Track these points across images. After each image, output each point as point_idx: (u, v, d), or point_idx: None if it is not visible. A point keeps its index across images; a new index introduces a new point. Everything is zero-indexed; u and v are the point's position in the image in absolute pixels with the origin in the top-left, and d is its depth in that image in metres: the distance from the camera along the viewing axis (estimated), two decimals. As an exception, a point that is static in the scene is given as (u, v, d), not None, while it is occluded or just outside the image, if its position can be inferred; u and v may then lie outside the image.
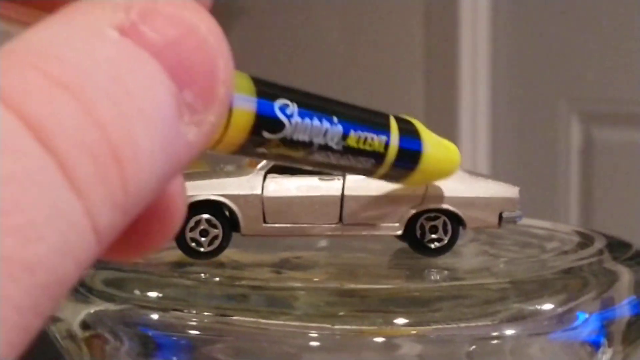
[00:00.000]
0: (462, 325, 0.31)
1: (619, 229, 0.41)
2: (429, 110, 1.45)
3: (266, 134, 0.22)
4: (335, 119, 0.25)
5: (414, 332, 0.31)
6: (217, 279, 0.32)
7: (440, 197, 0.34)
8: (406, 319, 0.31)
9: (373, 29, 1.49)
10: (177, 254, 0.34)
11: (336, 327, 0.30)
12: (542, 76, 1.41)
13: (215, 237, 0.34)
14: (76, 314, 0.32)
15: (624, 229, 1.36)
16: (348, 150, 0.26)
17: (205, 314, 0.30)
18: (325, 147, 0.24)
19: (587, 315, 0.32)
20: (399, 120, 0.29)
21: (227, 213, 0.34)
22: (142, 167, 0.16)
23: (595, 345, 0.32)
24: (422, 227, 0.34)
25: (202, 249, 0.34)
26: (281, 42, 1.56)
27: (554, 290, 0.32)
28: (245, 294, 0.31)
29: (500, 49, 1.43)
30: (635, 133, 1.35)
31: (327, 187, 0.34)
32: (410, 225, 0.34)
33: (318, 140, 0.24)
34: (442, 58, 1.44)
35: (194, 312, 0.31)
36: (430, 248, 0.35)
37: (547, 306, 0.32)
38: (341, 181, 0.34)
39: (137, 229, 0.18)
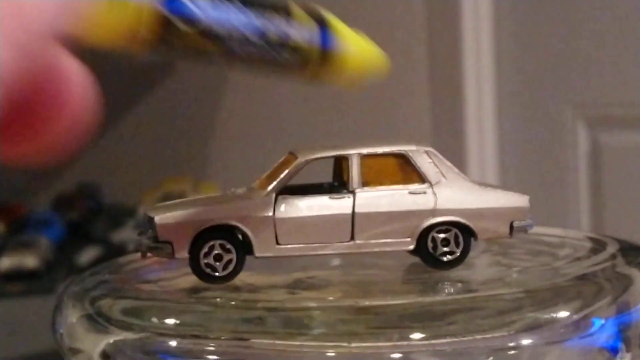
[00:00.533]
0: (479, 337, 0.31)
1: (630, 233, 0.41)
2: (436, 120, 1.45)
3: (181, 26, 0.22)
4: (252, 13, 0.25)
5: (431, 346, 0.31)
6: (233, 302, 0.33)
7: (450, 209, 0.34)
8: (422, 333, 0.31)
9: (376, 35, 1.49)
10: (192, 280, 0.34)
11: (353, 345, 0.30)
12: (547, 82, 1.41)
13: (230, 262, 0.34)
14: (96, 345, 0.32)
15: (635, 232, 1.36)
16: (270, 44, 0.25)
17: (223, 338, 0.31)
18: (246, 42, 0.24)
19: (603, 321, 0.32)
20: (314, 13, 0.28)
21: (239, 236, 0.34)
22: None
23: (613, 350, 0.32)
24: (434, 240, 0.34)
25: (217, 274, 0.34)
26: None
27: (568, 298, 0.32)
28: (261, 317, 0.32)
29: (505, 56, 1.43)
30: (643, 136, 1.35)
31: (337, 205, 0.34)
32: (422, 239, 0.34)
33: (237, 33, 0.24)
34: (447, 69, 1.44)
35: (212, 337, 0.31)
36: (443, 261, 0.35)
37: (563, 314, 0.32)
38: (351, 199, 0.34)
39: (34, 113, 0.18)
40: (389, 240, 0.34)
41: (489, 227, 0.35)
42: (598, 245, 0.37)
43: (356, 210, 0.34)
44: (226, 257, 0.34)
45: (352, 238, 0.34)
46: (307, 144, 0.36)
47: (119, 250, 1.32)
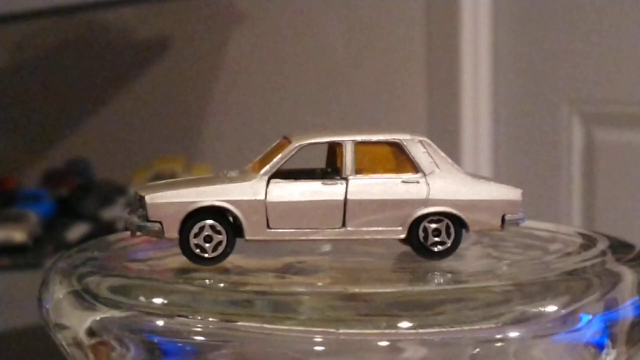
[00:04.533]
0: (466, 328, 0.31)
1: (622, 230, 0.41)
2: (431, 113, 1.45)
3: None
4: None
5: (418, 335, 0.31)
6: (222, 284, 0.33)
7: (442, 200, 0.34)
8: (410, 322, 0.31)
9: (374, 34, 1.49)
10: (181, 260, 0.34)
11: (340, 331, 0.30)
12: (543, 78, 1.41)
13: (220, 243, 0.34)
14: (82, 322, 0.32)
15: (627, 229, 1.36)
16: None
17: (210, 319, 0.31)
18: None
19: (590, 317, 0.32)
20: None
21: (230, 219, 0.34)
22: None
23: (599, 346, 0.32)
24: (425, 230, 0.34)
25: (206, 255, 0.34)
26: (281, 47, 1.57)
27: (557, 292, 0.32)
28: (249, 300, 0.32)
29: (502, 52, 1.43)
30: (637, 134, 1.35)
31: (330, 191, 0.34)
32: (413, 228, 0.34)
33: None
34: (444, 61, 1.44)
35: (199, 318, 0.31)
36: (433, 251, 0.35)
37: (551, 308, 0.32)
38: (344, 185, 0.34)
39: None
40: (380, 228, 0.34)
41: (480, 219, 0.35)
42: (588, 242, 0.37)
43: (348, 197, 0.34)
44: (216, 239, 0.34)
45: (344, 225, 0.34)
46: (302, 129, 0.36)
47: (109, 227, 1.32)
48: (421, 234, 0.34)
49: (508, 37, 1.41)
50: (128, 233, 0.35)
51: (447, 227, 0.34)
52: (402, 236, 0.34)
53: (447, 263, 0.35)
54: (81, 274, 0.34)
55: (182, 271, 0.34)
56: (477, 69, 1.42)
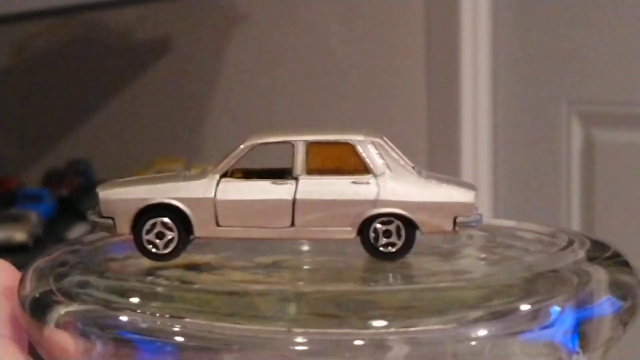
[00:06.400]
0: (442, 327, 0.31)
1: (620, 230, 0.41)
2: (431, 113, 1.45)
3: None
4: None
5: (396, 334, 0.31)
6: (196, 285, 0.33)
7: (392, 201, 0.34)
8: (387, 321, 0.31)
9: (374, 34, 1.49)
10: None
11: (321, 330, 0.30)
12: (542, 78, 1.41)
13: (171, 240, 0.34)
14: (51, 315, 0.32)
15: (624, 229, 1.36)
16: None
17: (187, 320, 0.31)
18: None
19: (563, 315, 0.32)
20: None
21: (181, 216, 0.34)
22: None
23: (572, 344, 0.32)
24: (376, 231, 0.34)
25: (158, 251, 0.34)
26: (281, 48, 1.57)
27: (530, 291, 0.32)
28: (224, 300, 0.32)
29: (501, 52, 1.43)
30: (636, 134, 1.35)
31: (279, 190, 0.34)
32: (365, 229, 0.34)
33: None
34: (443, 60, 1.44)
35: (172, 317, 0.31)
36: (384, 252, 0.35)
37: (524, 306, 0.32)
38: (294, 185, 0.34)
39: None
40: (329, 229, 0.34)
41: (431, 221, 0.34)
42: (567, 241, 0.37)
43: (297, 196, 0.34)
44: (168, 235, 0.34)
45: (293, 224, 0.34)
46: (265, 129, 0.36)
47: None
48: (372, 235, 0.34)
49: (507, 37, 1.41)
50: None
51: (398, 229, 0.34)
52: (352, 237, 0.34)
53: (429, 262, 0.35)
54: (57, 273, 0.34)
55: (155, 268, 0.34)
56: (477, 69, 1.42)
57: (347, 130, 0.35)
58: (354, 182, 0.34)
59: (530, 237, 0.39)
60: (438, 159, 1.43)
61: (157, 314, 0.31)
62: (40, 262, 0.35)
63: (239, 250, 0.36)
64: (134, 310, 0.31)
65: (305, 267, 0.36)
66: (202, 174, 0.35)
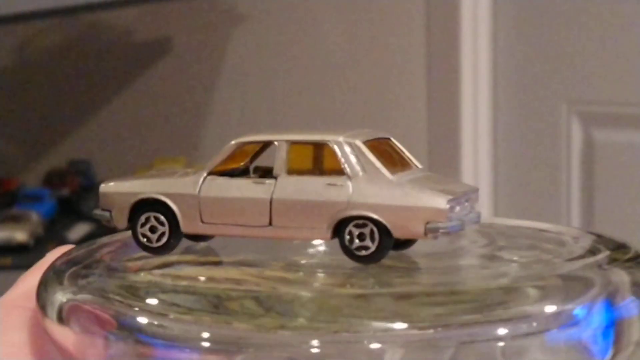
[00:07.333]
0: (461, 327, 0.31)
1: (620, 230, 0.42)
2: (431, 114, 1.46)
3: None
4: None
5: (408, 335, 0.31)
6: (210, 284, 0.33)
7: (363, 204, 0.34)
8: (403, 322, 0.31)
9: (374, 34, 1.49)
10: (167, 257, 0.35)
11: (331, 330, 0.31)
12: (542, 78, 1.42)
13: (163, 234, 0.35)
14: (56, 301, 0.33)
15: (625, 228, 1.36)
16: None
17: (204, 319, 0.31)
18: None
19: (586, 317, 0.32)
20: None
21: (170, 211, 0.35)
22: None
23: (595, 346, 0.32)
24: (350, 233, 0.34)
25: (151, 245, 0.35)
26: (281, 48, 1.57)
27: (554, 292, 0.33)
28: (238, 300, 0.32)
29: (501, 52, 1.43)
30: (636, 134, 1.36)
31: (258, 189, 0.35)
32: (340, 231, 0.34)
33: None
34: (444, 61, 1.44)
35: (190, 317, 0.31)
36: (357, 255, 0.34)
37: (548, 308, 0.32)
38: (272, 184, 0.34)
39: None
40: (305, 229, 0.34)
41: (402, 225, 0.34)
42: (590, 243, 0.37)
43: (274, 196, 0.34)
44: (160, 230, 0.35)
45: (270, 223, 0.34)
46: (259, 130, 0.37)
47: (109, 227, 1.33)
48: (347, 237, 0.34)
49: (507, 38, 1.42)
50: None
51: (372, 232, 0.34)
52: (328, 237, 0.34)
53: (443, 262, 0.35)
54: (77, 272, 0.35)
55: (166, 264, 0.35)
56: (477, 70, 1.42)
57: (327, 131, 0.35)
58: (329, 184, 0.34)
59: (556, 239, 0.39)
60: (438, 159, 1.43)
61: (174, 316, 0.31)
62: (59, 262, 0.36)
63: (253, 250, 0.36)
64: (152, 312, 0.31)
65: (320, 269, 0.37)
66: (195, 172, 0.36)
